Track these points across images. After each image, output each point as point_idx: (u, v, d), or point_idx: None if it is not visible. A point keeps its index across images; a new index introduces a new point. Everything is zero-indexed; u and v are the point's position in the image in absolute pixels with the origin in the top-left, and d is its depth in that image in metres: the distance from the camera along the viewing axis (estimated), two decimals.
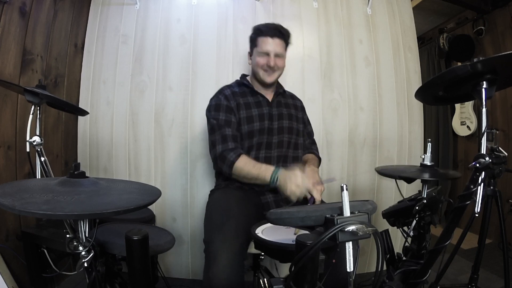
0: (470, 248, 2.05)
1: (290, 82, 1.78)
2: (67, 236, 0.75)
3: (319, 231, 0.64)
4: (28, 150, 1.08)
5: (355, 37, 1.90)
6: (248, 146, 1.27)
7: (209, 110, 1.30)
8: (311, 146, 1.47)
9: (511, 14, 2.33)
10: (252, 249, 1.03)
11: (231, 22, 1.83)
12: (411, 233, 1.11)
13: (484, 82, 0.82)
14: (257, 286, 1.23)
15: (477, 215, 0.79)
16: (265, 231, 0.98)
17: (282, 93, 1.43)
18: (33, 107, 1.10)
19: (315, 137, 1.53)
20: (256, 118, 1.29)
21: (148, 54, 1.83)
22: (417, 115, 1.96)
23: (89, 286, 0.77)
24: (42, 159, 1.13)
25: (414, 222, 1.09)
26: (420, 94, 1.05)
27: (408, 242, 1.14)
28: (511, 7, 2.34)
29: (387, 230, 1.18)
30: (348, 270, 0.60)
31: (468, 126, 2.73)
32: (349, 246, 0.60)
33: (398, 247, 1.45)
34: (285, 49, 1.35)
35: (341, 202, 0.61)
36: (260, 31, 1.31)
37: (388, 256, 1.16)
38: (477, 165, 0.80)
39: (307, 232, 0.75)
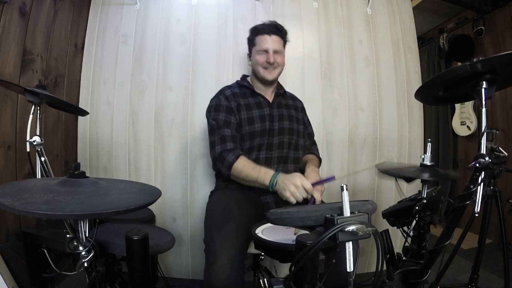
0: (470, 248, 2.05)
1: (290, 82, 1.78)
2: (67, 236, 0.75)
3: (319, 231, 0.64)
4: (28, 150, 1.08)
5: (355, 37, 1.90)
6: (249, 147, 1.27)
7: (209, 111, 1.31)
8: (312, 147, 1.47)
9: (511, 14, 2.33)
10: (252, 249, 1.03)
11: (231, 22, 1.83)
12: (411, 233, 1.11)
13: (484, 82, 0.82)
14: (257, 286, 1.23)
15: (477, 215, 0.79)
16: (265, 231, 0.99)
17: (283, 94, 1.43)
18: (33, 107, 1.10)
19: (315, 137, 1.53)
20: (257, 119, 1.29)
21: (148, 54, 1.83)
22: (417, 115, 1.96)
23: (89, 286, 0.77)
24: (42, 159, 1.13)
25: (414, 222, 1.09)
26: (420, 94, 1.05)
27: (408, 242, 1.14)
28: (511, 7, 2.34)
29: (387, 230, 1.18)
30: (348, 270, 0.60)
31: (468, 126, 2.73)
32: (349, 246, 0.60)
33: (398, 247, 1.45)
34: (283, 46, 1.35)
35: (341, 202, 0.61)
36: (257, 30, 1.32)
37: (388, 256, 1.16)
38: (477, 165, 0.80)
39: (307, 232, 0.75)
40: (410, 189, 1.35)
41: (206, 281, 0.93)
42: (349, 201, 0.62)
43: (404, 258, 1.12)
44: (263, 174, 1.11)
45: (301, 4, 1.88)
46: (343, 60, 1.88)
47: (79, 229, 0.71)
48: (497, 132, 2.42)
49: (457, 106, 2.81)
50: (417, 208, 1.07)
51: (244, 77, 1.43)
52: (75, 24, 1.86)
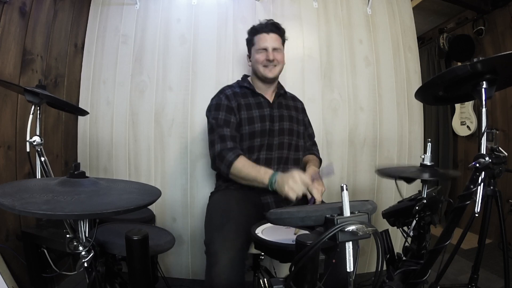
0: (470, 248, 2.05)
1: (290, 82, 1.78)
2: (67, 236, 0.75)
3: (319, 231, 0.64)
4: (28, 150, 1.08)
5: (355, 37, 1.90)
6: (249, 147, 1.27)
7: (209, 110, 1.31)
8: (312, 147, 1.47)
9: (511, 14, 2.33)
10: (252, 249, 1.03)
11: (231, 22, 1.83)
12: (411, 233, 1.11)
13: (484, 82, 0.82)
14: (257, 286, 1.23)
15: (477, 215, 0.79)
16: (265, 231, 0.98)
17: (283, 94, 1.43)
18: (33, 107, 1.10)
19: (315, 137, 1.53)
20: (257, 119, 1.29)
21: (148, 54, 1.83)
22: (417, 115, 1.96)
23: (89, 286, 0.77)
24: (42, 159, 1.13)
25: (414, 222, 1.09)
26: (420, 94, 1.05)
27: (408, 242, 1.14)
28: (511, 7, 2.34)
29: (387, 230, 1.18)
30: (348, 270, 0.60)
31: (468, 126, 2.73)
32: (349, 246, 0.60)
33: (398, 247, 1.45)
34: (282, 44, 1.36)
35: (341, 202, 0.61)
36: (256, 30, 1.33)
37: (388, 256, 1.16)
38: (477, 165, 0.80)
39: (307, 232, 0.75)
40: (410, 189, 1.35)
41: (207, 282, 0.93)
42: (349, 201, 0.62)
43: (404, 258, 1.12)
44: (262, 174, 1.11)
45: (301, 4, 1.88)
46: (343, 60, 1.88)
47: (79, 229, 0.71)
48: (497, 132, 2.42)
49: (457, 106, 2.81)
50: (417, 208, 1.07)
51: (245, 77, 1.43)
52: (75, 24, 1.86)
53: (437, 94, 1.00)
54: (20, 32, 1.47)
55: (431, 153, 1.08)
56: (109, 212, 0.59)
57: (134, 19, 1.86)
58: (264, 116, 1.30)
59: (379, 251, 0.61)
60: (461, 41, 2.71)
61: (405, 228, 1.13)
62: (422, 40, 3.19)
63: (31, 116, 1.09)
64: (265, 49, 1.29)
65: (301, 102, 1.51)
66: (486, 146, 0.81)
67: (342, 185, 0.61)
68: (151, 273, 0.81)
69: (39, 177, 1.13)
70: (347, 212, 0.61)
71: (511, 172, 0.96)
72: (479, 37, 2.58)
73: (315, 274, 0.62)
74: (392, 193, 1.89)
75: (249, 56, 1.39)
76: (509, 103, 2.41)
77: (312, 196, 1.13)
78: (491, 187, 0.95)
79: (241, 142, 1.27)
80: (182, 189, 1.79)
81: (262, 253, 1.14)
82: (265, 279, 1.17)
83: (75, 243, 0.73)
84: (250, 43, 1.37)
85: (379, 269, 0.62)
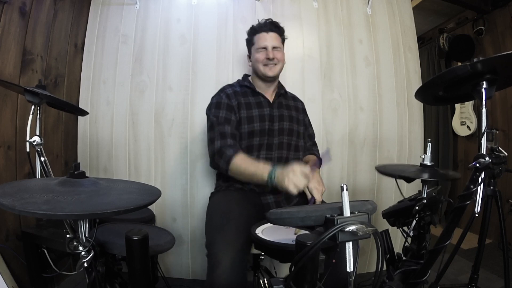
0: (470, 248, 2.05)
1: (290, 82, 1.78)
2: (67, 236, 0.75)
3: (319, 231, 0.64)
4: (28, 150, 1.08)
5: (355, 37, 1.90)
6: (248, 146, 1.27)
7: (209, 108, 1.30)
8: (312, 148, 1.47)
9: (511, 14, 2.33)
10: (252, 249, 1.03)
11: (231, 22, 1.83)
12: (411, 233, 1.11)
13: (484, 82, 0.82)
14: (257, 286, 1.23)
15: (477, 215, 0.79)
16: (265, 231, 0.98)
17: (284, 94, 1.43)
18: (33, 107, 1.10)
19: (315, 137, 1.53)
20: (256, 119, 1.28)
21: (148, 54, 1.83)
22: (417, 115, 1.96)
23: (89, 286, 0.77)
24: (42, 159, 1.13)
25: (414, 222, 1.09)
26: (420, 94, 1.05)
27: (408, 242, 1.14)
28: (511, 7, 2.34)
29: (387, 230, 1.18)
30: (348, 270, 0.60)
31: (468, 126, 2.73)
32: (349, 246, 0.60)
33: (398, 247, 1.45)
34: (282, 43, 1.36)
35: (341, 202, 0.62)
36: (255, 30, 1.34)
37: (388, 256, 1.16)
38: (477, 165, 0.80)
39: (307, 232, 0.75)
40: (410, 189, 1.35)
41: (209, 283, 0.93)
42: (349, 201, 0.62)
43: (404, 258, 1.13)
44: (261, 169, 1.08)
45: (301, 4, 1.88)
46: (343, 60, 1.88)
47: (79, 229, 0.71)
48: (497, 132, 2.42)
49: (457, 106, 2.81)
50: (417, 208, 1.07)
51: (245, 76, 1.43)
52: (75, 24, 1.86)
53: (437, 94, 1.00)
54: (20, 32, 1.47)
55: (431, 153, 1.08)
56: (109, 212, 0.59)
57: (134, 19, 1.86)
58: (264, 115, 1.30)
59: (379, 251, 0.62)
60: (461, 41, 2.71)
61: (405, 228, 1.13)
62: (422, 40, 3.19)
63: (31, 116, 1.09)
64: (265, 48, 1.29)
65: (301, 102, 1.51)
66: (486, 146, 0.81)
67: (342, 185, 0.61)
68: (151, 273, 0.81)
69: (39, 177, 1.13)
70: (347, 212, 0.61)
71: (511, 172, 0.96)
72: (479, 37, 2.58)
73: (315, 274, 0.62)
74: (392, 193, 1.89)
75: (249, 56, 1.39)
76: (509, 103, 2.41)
77: (312, 196, 1.13)
78: (491, 187, 0.95)
79: (240, 141, 1.27)
80: (182, 189, 1.79)
81: (262, 253, 1.14)
82: (265, 279, 1.17)
83: (75, 243, 0.73)
84: (249, 43, 1.37)
85: (379, 269, 0.62)
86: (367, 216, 0.62)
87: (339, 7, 1.90)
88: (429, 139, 1.12)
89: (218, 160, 1.18)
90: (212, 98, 1.33)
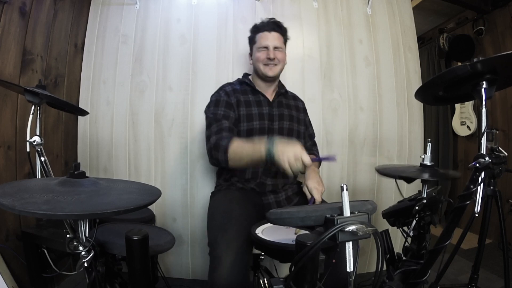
0: (470, 248, 2.05)
1: (290, 82, 1.77)
2: (67, 236, 0.75)
3: (319, 231, 0.64)
4: (28, 150, 1.08)
5: (355, 37, 1.90)
6: None
7: (208, 106, 1.29)
8: (312, 148, 1.47)
9: (511, 14, 2.33)
10: (252, 249, 1.03)
11: (231, 22, 1.83)
12: (411, 233, 1.11)
13: (484, 82, 0.82)
14: (257, 286, 1.23)
15: (477, 215, 0.79)
16: (265, 231, 0.98)
17: (284, 94, 1.43)
18: (33, 107, 1.10)
19: (315, 137, 1.53)
20: (256, 117, 1.28)
21: (148, 54, 1.83)
22: (417, 115, 1.96)
23: (89, 286, 0.77)
24: (42, 159, 1.13)
25: (414, 222, 1.09)
26: (420, 94, 1.05)
27: (408, 242, 1.14)
28: (511, 7, 2.34)
29: (387, 230, 1.18)
30: (348, 270, 0.60)
31: (468, 126, 2.73)
32: (349, 246, 0.60)
33: (398, 247, 1.45)
34: (284, 43, 1.35)
35: (341, 202, 0.61)
36: (258, 28, 1.33)
37: (388, 256, 1.16)
38: (477, 165, 0.80)
39: (307, 232, 0.75)
40: (410, 189, 1.35)
41: (210, 283, 0.93)
42: (349, 201, 0.62)
43: (404, 258, 1.12)
44: (258, 145, 1.03)
45: (301, 4, 1.88)
46: (343, 60, 1.88)
47: (79, 229, 0.71)
48: (497, 132, 2.42)
49: (457, 106, 2.81)
50: (417, 208, 1.06)
51: (245, 75, 1.43)
52: (75, 24, 1.86)
53: (437, 94, 1.00)
54: (20, 32, 1.47)
55: (431, 153, 1.08)
56: (109, 212, 0.59)
57: (134, 19, 1.86)
58: (263, 114, 1.30)
59: (379, 251, 0.61)
60: (461, 41, 2.71)
61: (405, 228, 1.13)
62: (422, 40, 3.19)
63: (31, 116, 1.09)
64: (266, 48, 1.29)
65: (302, 101, 1.51)
66: (486, 146, 0.81)
67: (342, 185, 0.61)
68: (151, 273, 0.81)
69: (39, 177, 1.13)
70: (347, 212, 0.61)
71: (511, 172, 0.96)
72: (479, 37, 2.58)
73: (315, 274, 0.62)
74: (392, 193, 1.89)
75: (251, 54, 1.38)
76: (509, 103, 2.41)
77: (312, 196, 1.13)
78: (491, 187, 0.95)
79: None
80: (182, 189, 1.79)
81: (262, 253, 1.14)
82: (265, 279, 1.17)
83: (75, 243, 0.73)
84: (251, 41, 1.36)
85: (379, 269, 0.62)
86: (367, 216, 0.62)
87: (339, 7, 1.90)
88: (429, 139, 1.12)
89: (215, 154, 1.14)
90: (212, 96, 1.33)
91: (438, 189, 1.15)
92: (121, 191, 0.74)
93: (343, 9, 1.90)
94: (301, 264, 0.59)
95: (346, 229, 0.58)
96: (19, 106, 1.46)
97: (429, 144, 1.09)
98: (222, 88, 1.34)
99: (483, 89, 0.82)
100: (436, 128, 3.12)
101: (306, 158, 0.93)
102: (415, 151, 1.92)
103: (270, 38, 1.29)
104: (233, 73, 1.80)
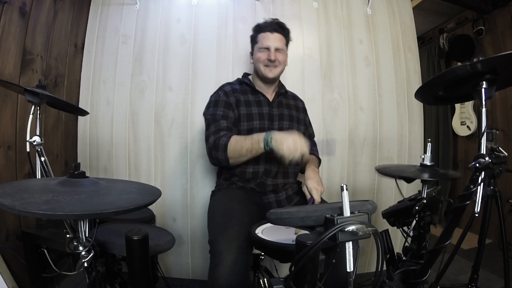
0: (470, 248, 2.05)
1: (290, 82, 1.78)
2: (67, 236, 0.75)
3: (319, 231, 0.64)
4: (28, 150, 1.08)
5: (355, 37, 1.90)
6: None
7: (207, 107, 1.29)
8: (312, 148, 1.47)
9: (511, 14, 2.33)
10: (253, 249, 1.03)
11: (231, 22, 1.83)
12: (411, 233, 1.11)
13: (484, 82, 0.82)
14: (257, 286, 1.23)
15: (477, 215, 0.79)
16: (265, 231, 0.98)
17: (284, 94, 1.42)
18: (33, 107, 1.10)
19: (315, 137, 1.53)
20: (256, 117, 1.28)
21: (148, 54, 1.83)
22: (417, 115, 1.96)
23: (89, 286, 0.77)
24: (42, 159, 1.13)
25: (414, 222, 1.09)
26: (420, 94, 1.05)
27: (408, 242, 1.14)
28: (511, 7, 2.34)
29: (387, 230, 1.18)
30: (348, 270, 0.60)
31: (468, 126, 2.73)
32: (349, 246, 0.60)
33: (398, 247, 1.45)
34: (286, 44, 1.34)
35: (341, 202, 0.62)
36: (260, 28, 1.32)
37: (388, 256, 1.16)
38: (477, 165, 0.80)
39: (307, 232, 0.75)
40: (410, 189, 1.35)
41: (211, 281, 0.93)
42: (349, 201, 0.62)
43: (404, 258, 1.12)
44: (256, 138, 1.07)
45: (301, 4, 1.88)
46: (343, 60, 1.88)
47: (79, 229, 0.71)
48: (497, 132, 2.42)
49: (457, 106, 2.81)
50: (417, 208, 1.06)
51: (245, 74, 1.42)
52: (75, 24, 1.86)
53: (437, 94, 1.00)
54: (20, 32, 1.47)
55: (431, 153, 1.08)
56: (109, 212, 0.59)
57: (134, 19, 1.86)
58: (263, 114, 1.30)
59: (379, 251, 0.62)
60: (461, 41, 2.71)
61: (405, 228, 1.13)
62: (422, 40, 3.19)
63: (31, 116, 1.09)
64: (267, 49, 1.28)
65: (302, 101, 1.51)
66: (486, 146, 0.81)
67: (342, 185, 0.61)
68: (151, 273, 0.81)
69: (39, 177, 1.13)
70: (347, 212, 0.61)
71: (511, 172, 0.96)
72: (479, 37, 2.58)
73: (315, 274, 0.62)
74: (392, 193, 1.89)
75: (252, 53, 1.37)
76: (509, 103, 2.41)
77: (312, 196, 1.13)
78: (491, 187, 0.95)
79: None
80: (182, 189, 1.79)
81: (262, 253, 1.14)
82: (265, 279, 1.17)
83: (75, 243, 0.73)
84: (253, 40, 1.35)
85: (379, 269, 0.62)
86: (367, 216, 0.62)
87: (339, 7, 1.90)
88: (429, 139, 1.12)
89: (215, 154, 1.16)
90: (211, 96, 1.33)
91: (438, 189, 1.15)
92: (121, 191, 0.74)
93: (343, 9, 1.90)
94: (301, 264, 0.59)
95: (346, 229, 0.58)
96: (19, 106, 1.46)
97: (429, 144, 1.09)
98: (221, 88, 1.34)
99: (483, 89, 0.82)
100: (436, 128, 3.12)
101: (305, 149, 0.97)
102: (415, 151, 1.92)
103: (272, 39, 1.28)
104: (233, 73, 1.80)
